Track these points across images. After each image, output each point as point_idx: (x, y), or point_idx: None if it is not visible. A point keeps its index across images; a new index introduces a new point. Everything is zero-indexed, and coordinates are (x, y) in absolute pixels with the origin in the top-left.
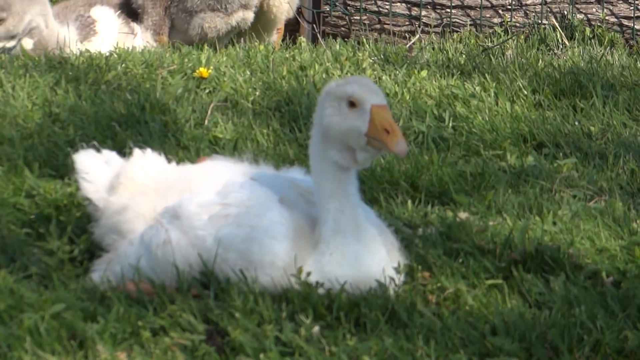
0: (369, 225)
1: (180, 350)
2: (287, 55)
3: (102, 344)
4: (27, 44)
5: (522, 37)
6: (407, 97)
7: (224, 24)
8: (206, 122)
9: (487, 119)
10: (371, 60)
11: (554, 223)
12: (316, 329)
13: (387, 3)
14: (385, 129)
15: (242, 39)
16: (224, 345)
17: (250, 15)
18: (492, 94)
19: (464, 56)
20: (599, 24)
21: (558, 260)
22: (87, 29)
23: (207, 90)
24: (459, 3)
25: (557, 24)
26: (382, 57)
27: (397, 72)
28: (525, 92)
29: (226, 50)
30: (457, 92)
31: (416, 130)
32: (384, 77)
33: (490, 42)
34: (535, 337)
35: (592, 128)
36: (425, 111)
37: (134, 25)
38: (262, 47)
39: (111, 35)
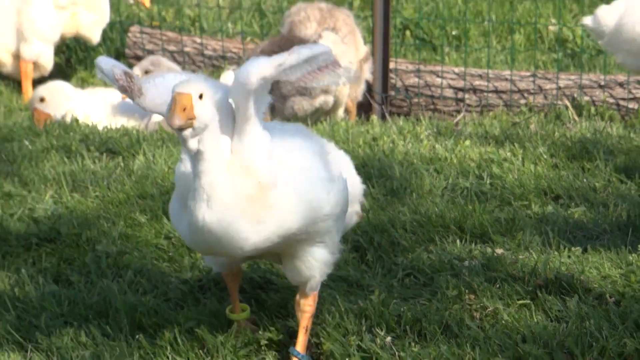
0: None
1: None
2: (362, 129)
3: (226, 352)
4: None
5: (542, 114)
6: (455, 161)
7: (310, 106)
8: None
9: (516, 177)
10: (427, 133)
11: (569, 256)
12: (388, 339)
13: (439, 89)
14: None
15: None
16: (318, 353)
17: (330, 99)
18: (520, 158)
19: (498, 129)
20: (600, 104)
21: (572, 285)
22: None
23: None
24: (494, 89)
25: (569, 104)
26: (435, 130)
27: (447, 141)
28: (545, 156)
29: (315, 125)
30: (493, 157)
31: (462, 186)
32: (436, 146)
33: (518, 118)
34: (556, 344)
35: (596, 184)
36: (469, 171)
37: None
38: (343, 123)
39: None
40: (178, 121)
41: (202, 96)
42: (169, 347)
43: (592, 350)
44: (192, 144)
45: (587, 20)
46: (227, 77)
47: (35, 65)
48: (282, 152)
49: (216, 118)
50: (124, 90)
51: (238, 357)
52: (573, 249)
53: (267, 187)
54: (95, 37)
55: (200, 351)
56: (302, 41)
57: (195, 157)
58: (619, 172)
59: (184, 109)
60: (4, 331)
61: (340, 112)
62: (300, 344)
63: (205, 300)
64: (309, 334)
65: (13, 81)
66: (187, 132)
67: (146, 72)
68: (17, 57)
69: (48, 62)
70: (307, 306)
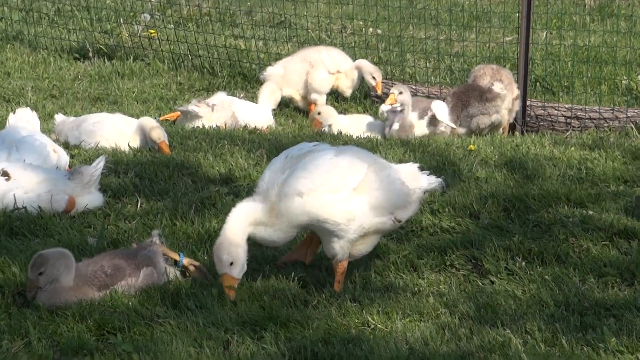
0: None
1: None
2: (510, 140)
3: None
4: (394, 126)
5: (617, 132)
6: (564, 159)
7: (488, 121)
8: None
9: (601, 169)
10: (548, 143)
11: (632, 216)
12: (523, 263)
13: (555, 117)
14: None
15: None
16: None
17: (501, 116)
18: (604, 158)
19: (590, 140)
20: None
21: (635, 232)
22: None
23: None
24: (589, 117)
25: (633, 127)
26: (553, 141)
27: (560, 148)
28: (619, 157)
29: (484, 137)
30: (587, 157)
31: (569, 174)
32: (554, 150)
33: (603, 134)
34: (624, 268)
35: None
36: (573, 165)
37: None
38: (499, 136)
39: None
40: None
41: None
42: None
43: None
44: None
45: None
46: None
47: (315, 103)
48: None
49: None
50: None
51: None
52: (634, 211)
53: None
54: (348, 93)
55: None
56: (480, 88)
57: None
58: None
59: None
60: None
61: (501, 129)
62: (336, 286)
63: None
64: (342, 282)
65: (302, 111)
66: None
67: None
68: (304, 97)
69: (321, 103)
70: (336, 269)
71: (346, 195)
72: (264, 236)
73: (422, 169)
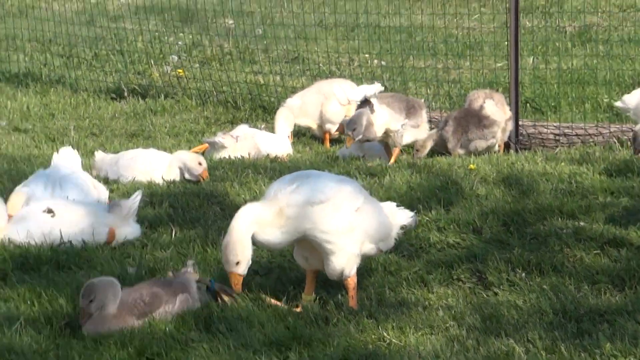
0: None
1: None
2: (505, 157)
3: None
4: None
5: (602, 147)
6: (555, 174)
7: (485, 145)
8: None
9: (589, 182)
10: (540, 159)
11: (620, 225)
12: (523, 274)
13: (545, 135)
14: None
15: None
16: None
17: (494, 141)
18: (592, 171)
19: (578, 155)
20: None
21: (624, 240)
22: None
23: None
24: (575, 134)
25: (616, 141)
26: (544, 157)
27: (551, 163)
28: (604, 170)
29: (482, 156)
30: (576, 171)
31: (560, 188)
32: (546, 166)
33: (589, 149)
34: (615, 274)
35: (634, 184)
36: (564, 179)
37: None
38: (495, 154)
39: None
40: None
41: None
42: None
43: (636, 278)
44: None
45: (618, 103)
46: None
47: (329, 132)
48: None
49: None
50: None
51: None
52: (622, 221)
53: None
54: None
55: None
56: (475, 111)
57: None
58: None
59: None
60: None
61: (497, 148)
62: (352, 302)
63: None
64: (356, 298)
65: (318, 139)
66: None
67: None
68: (320, 126)
69: (334, 131)
70: (347, 285)
71: (348, 212)
72: (268, 237)
73: (397, 206)
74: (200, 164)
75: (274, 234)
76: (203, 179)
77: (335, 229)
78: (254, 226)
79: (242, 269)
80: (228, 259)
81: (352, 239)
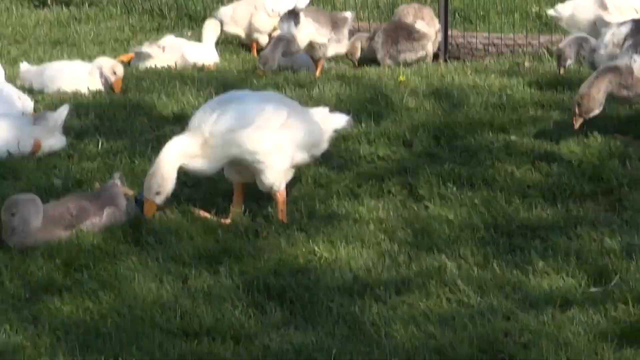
0: None
1: None
2: (436, 68)
3: None
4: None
5: (531, 56)
6: (486, 86)
7: (415, 57)
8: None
9: (520, 95)
10: (470, 71)
11: (550, 139)
12: (454, 189)
13: (474, 45)
14: None
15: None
16: None
17: (424, 53)
18: (522, 83)
19: (507, 66)
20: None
21: (554, 155)
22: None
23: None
24: (505, 44)
25: (545, 52)
26: (474, 69)
27: (482, 75)
28: (533, 81)
29: (412, 67)
30: (506, 84)
31: (490, 101)
32: (475, 79)
33: (519, 60)
34: (544, 187)
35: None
36: (494, 92)
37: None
38: (425, 64)
39: None
40: None
41: None
42: None
43: (567, 193)
44: None
45: (551, 11)
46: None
47: (257, 41)
48: None
49: None
50: None
51: None
52: (553, 135)
53: None
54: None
55: None
56: (405, 24)
57: None
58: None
59: None
60: None
61: (428, 60)
62: (281, 215)
63: None
64: (285, 211)
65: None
66: None
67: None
68: (248, 35)
69: (263, 41)
70: (276, 199)
71: (273, 131)
72: (196, 167)
73: (330, 111)
74: (115, 73)
75: (203, 163)
76: (114, 91)
77: (262, 149)
78: (182, 159)
79: (160, 200)
80: (150, 187)
81: (280, 155)
